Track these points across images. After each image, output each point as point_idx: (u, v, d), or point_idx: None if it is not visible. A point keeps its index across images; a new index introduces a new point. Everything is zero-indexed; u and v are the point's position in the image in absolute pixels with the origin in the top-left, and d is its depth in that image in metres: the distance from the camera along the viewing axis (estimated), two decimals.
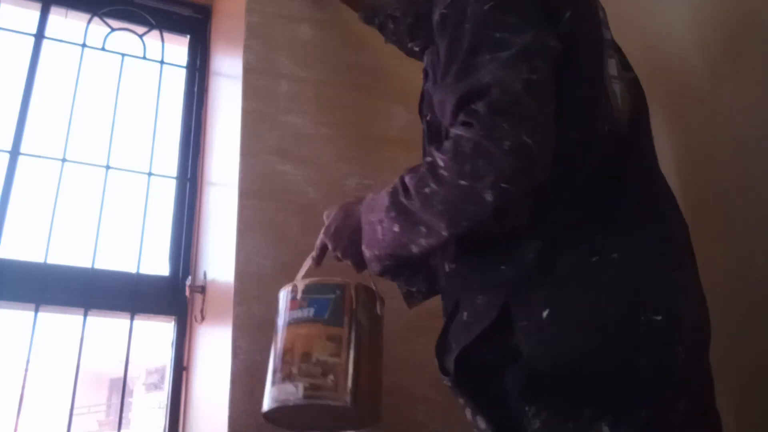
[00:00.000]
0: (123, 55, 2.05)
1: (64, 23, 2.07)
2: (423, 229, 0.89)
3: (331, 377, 0.99)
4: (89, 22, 2.05)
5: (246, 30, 1.71)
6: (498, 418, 0.92)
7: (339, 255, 1.09)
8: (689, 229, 1.00)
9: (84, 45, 2.01)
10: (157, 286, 1.84)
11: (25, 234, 1.88)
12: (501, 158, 0.81)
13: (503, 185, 0.82)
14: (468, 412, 0.97)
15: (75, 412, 1.73)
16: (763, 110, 1.31)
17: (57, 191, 1.80)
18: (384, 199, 0.95)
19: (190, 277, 1.82)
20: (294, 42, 1.76)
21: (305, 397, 0.98)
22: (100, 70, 2.03)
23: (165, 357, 1.84)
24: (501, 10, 0.90)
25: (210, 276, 1.70)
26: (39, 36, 1.98)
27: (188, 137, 2.04)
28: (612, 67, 0.99)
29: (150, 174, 1.94)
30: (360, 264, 1.06)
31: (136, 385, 11.70)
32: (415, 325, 1.34)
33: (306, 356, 1.01)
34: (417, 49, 1.15)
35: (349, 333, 1.03)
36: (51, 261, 1.72)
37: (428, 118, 1.07)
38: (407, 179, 0.92)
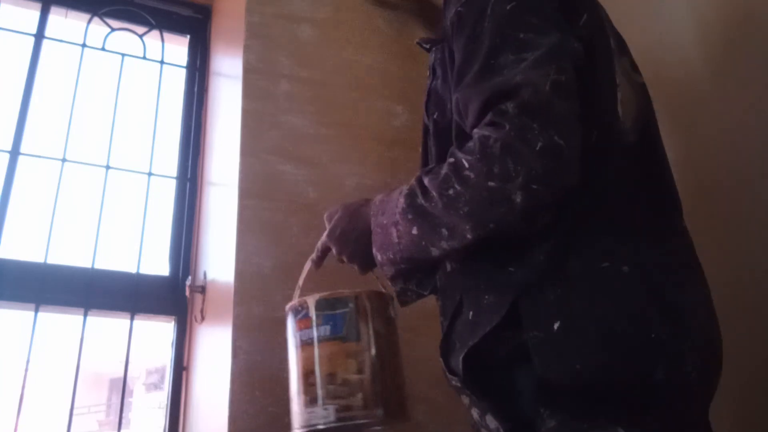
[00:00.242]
0: (123, 55, 2.05)
1: (64, 23, 2.07)
2: (445, 232, 0.87)
3: (360, 395, 0.98)
4: (89, 22, 2.05)
5: (246, 30, 1.71)
6: (510, 416, 0.91)
7: (345, 258, 1.07)
8: (691, 237, 1.00)
9: (84, 45, 2.01)
10: (157, 286, 1.84)
11: (25, 234, 1.88)
12: (532, 159, 0.80)
13: (534, 186, 0.80)
14: (475, 412, 0.94)
15: (75, 412, 1.73)
16: (763, 110, 1.31)
17: (57, 191, 1.80)
18: (398, 201, 0.93)
19: (190, 277, 1.82)
20: (294, 42, 1.76)
21: (338, 419, 0.98)
22: (100, 70, 2.03)
23: (165, 357, 1.84)
24: (524, 11, 0.89)
25: (210, 276, 1.70)
26: (39, 36, 1.98)
27: (188, 137, 2.04)
28: (618, 76, 0.99)
29: (150, 174, 1.94)
30: (366, 267, 1.05)
31: (136, 385, 11.70)
32: (414, 325, 1.34)
33: (330, 377, 1.00)
34: (426, 45, 1.13)
35: (369, 346, 1.02)
36: (51, 261, 1.73)
37: (435, 116, 1.05)
38: (426, 181, 0.90)
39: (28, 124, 1.86)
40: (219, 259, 1.62)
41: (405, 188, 0.94)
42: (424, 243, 0.90)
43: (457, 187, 0.85)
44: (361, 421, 0.98)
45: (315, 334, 1.03)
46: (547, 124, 0.81)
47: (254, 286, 1.45)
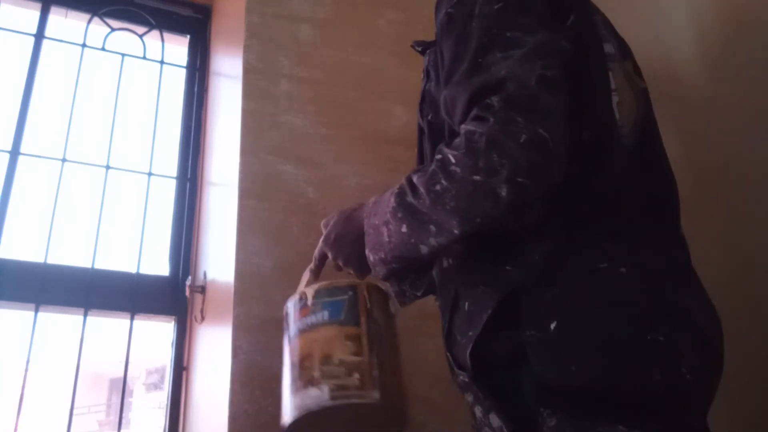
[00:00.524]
0: (123, 55, 2.05)
1: (64, 23, 2.07)
2: (433, 228, 0.87)
3: (356, 375, 0.94)
4: (89, 22, 2.05)
5: (246, 30, 1.71)
6: (513, 415, 0.90)
7: (341, 263, 1.07)
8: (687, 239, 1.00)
9: (84, 45, 2.01)
10: (157, 286, 1.84)
11: (25, 234, 1.88)
12: (516, 152, 0.79)
13: (519, 179, 0.80)
14: (478, 410, 0.93)
15: (75, 412, 1.73)
16: (763, 110, 1.31)
17: (57, 191, 1.80)
18: (389, 200, 0.93)
19: (190, 277, 1.82)
20: (294, 42, 1.76)
21: (332, 398, 0.93)
22: (100, 70, 2.03)
23: (165, 357, 1.84)
24: (512, 11, 0.90)
25: (210, 276, 1.70)
26: (39, 36, 1.98)
27: (188, 137, 2.04)
28: (612, 80, 0.99)
29: (150, 174, 1.94)
30: (363, 270, 1.05)
31: (136, 385, 11.71)
32: (414, 325, 1.34)
33: (327, 358, 0.96)
34: (419, 48, 1.14)
35: (368, 331, 0.99)
36: (51, 261, 1.73)
37: (429, 117, 1.06)
38: (415, 178, 0.90)
39: (28, 124, 1.86)
40: (219, 259, 1.62)
41: (396, 188, 0.94)
42: (413, 240, 0.89)
43: (444, 182, 0.85)
44: (357, 401, 0.94)
45: (312, 320, 1.00)
46: (532, 118, 0.81)
47: (254, 286, 1.45)
